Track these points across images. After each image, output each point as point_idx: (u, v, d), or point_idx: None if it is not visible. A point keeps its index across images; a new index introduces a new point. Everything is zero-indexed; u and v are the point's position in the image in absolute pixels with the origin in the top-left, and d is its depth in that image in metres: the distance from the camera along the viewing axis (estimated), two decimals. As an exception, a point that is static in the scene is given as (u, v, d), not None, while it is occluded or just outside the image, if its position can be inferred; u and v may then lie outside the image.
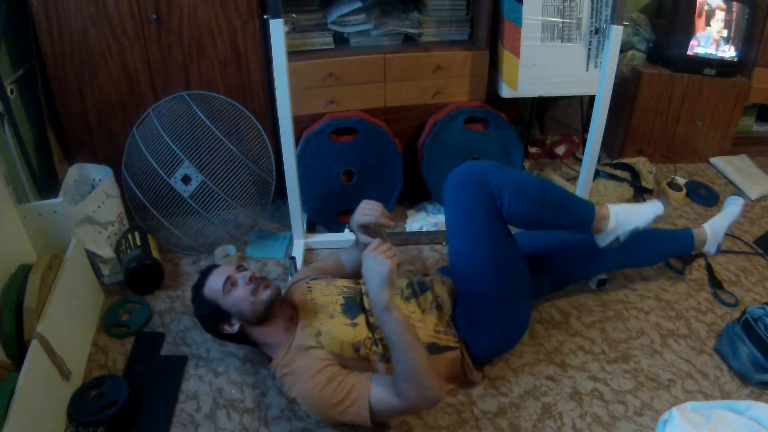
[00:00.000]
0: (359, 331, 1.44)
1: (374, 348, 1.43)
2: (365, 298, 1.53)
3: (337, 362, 1.40)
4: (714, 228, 1.90)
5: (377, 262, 1.31)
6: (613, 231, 1.55)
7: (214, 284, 1.47)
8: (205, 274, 1.52)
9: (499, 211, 1.44)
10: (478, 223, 1.45)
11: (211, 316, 1.48)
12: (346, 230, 2.17)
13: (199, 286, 1.51)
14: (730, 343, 1.66)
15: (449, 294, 1.56)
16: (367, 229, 1.57)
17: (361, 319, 1.47)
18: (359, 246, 1.65)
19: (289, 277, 1.94)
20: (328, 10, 2.18)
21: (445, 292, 1.56)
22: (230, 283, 1.46)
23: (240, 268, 1.51)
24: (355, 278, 1.67)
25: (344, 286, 1.57)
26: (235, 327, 1.47)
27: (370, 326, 1.46)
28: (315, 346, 1.41)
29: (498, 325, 1.52)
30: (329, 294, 1.54)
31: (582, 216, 1.53)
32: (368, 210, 1.55)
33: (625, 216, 1.54)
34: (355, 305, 1.51)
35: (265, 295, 1.45)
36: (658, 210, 1.56)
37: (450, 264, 1.62)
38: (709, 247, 1.90)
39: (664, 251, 1.91)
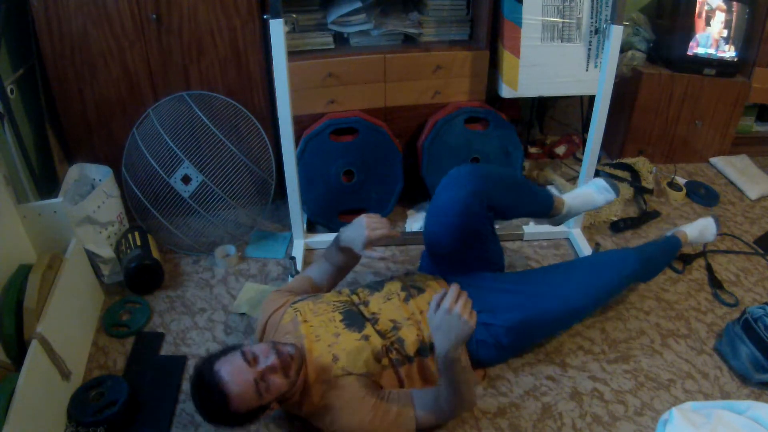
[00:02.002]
0: (374, 342, 1.41)
1: (391, 355, 1.43)
2: (362, 308, 1.51)
3: (368, 383, 1.37)
4: (571, 207, 1.84)
5: (462, 322, 1.22)
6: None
7: (247, 396, 1.22)
8: (218, 395, 1.21)
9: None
10: None
11: (248, 419, 1.27)
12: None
13: (221, 407, 1.22)
14: (730, 343, 1.66)
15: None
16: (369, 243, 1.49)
17: (369, 330, 1.44)
18: (336, 257, 1.61)
19: (290, 278, 1.94)
20: (328, 10, 2.18)
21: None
22: (261, 381, 1.23)
23: (246, 354, 1.26)
24: (329, 290, 1.66)
25: (334, 301, 1.52)
26: (276, 404, 1.32)
27: (381, 334, 1.45)
28: (341, 374, 1.35)
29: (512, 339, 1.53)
30: (322, 312, 1.48)
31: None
32: (376, 224, 1.47)
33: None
34: (356, 317, 1.47)
35: (296, 363, 1.30)
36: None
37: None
38: (558, 221, 1.88)
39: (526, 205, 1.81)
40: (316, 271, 1.68)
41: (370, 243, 1.46)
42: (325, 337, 1.42)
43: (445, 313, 1.23)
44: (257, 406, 1.25)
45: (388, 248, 2.14)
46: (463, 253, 1.61)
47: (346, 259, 1.63)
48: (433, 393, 1.37)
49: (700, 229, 2.01)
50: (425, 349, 1.46)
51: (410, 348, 1.45)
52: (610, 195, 1.83)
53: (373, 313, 1.51)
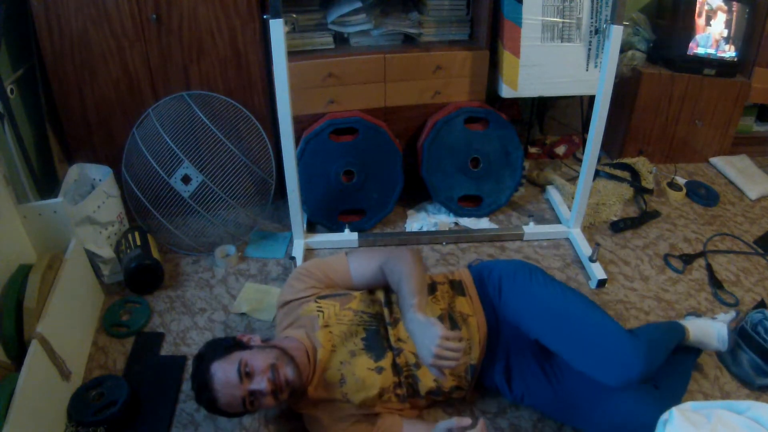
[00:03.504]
0: (385, 378, 1.35)
1: (398, 391, 1.38)
2: (390, 330, 1.40)
3: (363, 411, 1.36)
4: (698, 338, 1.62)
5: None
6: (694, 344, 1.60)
7: (233, 407, 1.26)
8: (207, 400, 1.26)
9: None
10: None
11: (238, 414, 1.31)
12: (347, 230, 2.17)
13: (206, 397, 1.25)
14: (730, 351, 1.66)
15: (481, 340, 1.44)
16: None
17: (386, 362, 1.36)
18: (388, 285, 1.43)
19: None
20: (328, 10, 2.18)
21: (477, 336, 1.44)
22: (249, 397, 1.23)
23: (243, 367, 1.23)
24: (367, 291, 1.50)
25: (362, 312, 1.41)
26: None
27: (396, 368, 1.38)
28: (341, 399, 1.34)
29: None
30: (347, 322, 1.39)
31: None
32: (449, 354, 1.16)
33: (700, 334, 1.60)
34: (378, 341, 1.38)
35: (287, 391, 1.26)
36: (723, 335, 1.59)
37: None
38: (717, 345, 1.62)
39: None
40: (361, 273, 1.48)
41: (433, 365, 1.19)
42: (341, 352, 1.36)
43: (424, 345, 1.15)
44: (245, 412, 1.29)
45: (388, 248, 2.14)
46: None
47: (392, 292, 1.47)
48: (426, 426, 1.35)
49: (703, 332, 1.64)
50: (439, 393, 1.43)
51: (423, 389, 1.40)
52: (723, 346, 1.60)
53: (399, 340, 1.39)
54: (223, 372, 1.23)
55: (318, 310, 1.40)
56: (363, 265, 1.48)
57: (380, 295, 1.47)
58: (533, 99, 2.63)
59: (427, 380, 1.39)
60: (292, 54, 2.00)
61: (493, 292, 1.49)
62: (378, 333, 1.39)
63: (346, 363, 1.35)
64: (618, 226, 2.26)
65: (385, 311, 1.43)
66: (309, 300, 1.44)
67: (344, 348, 1.36)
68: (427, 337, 1.17)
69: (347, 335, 1.38)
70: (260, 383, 1.23)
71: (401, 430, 1.37)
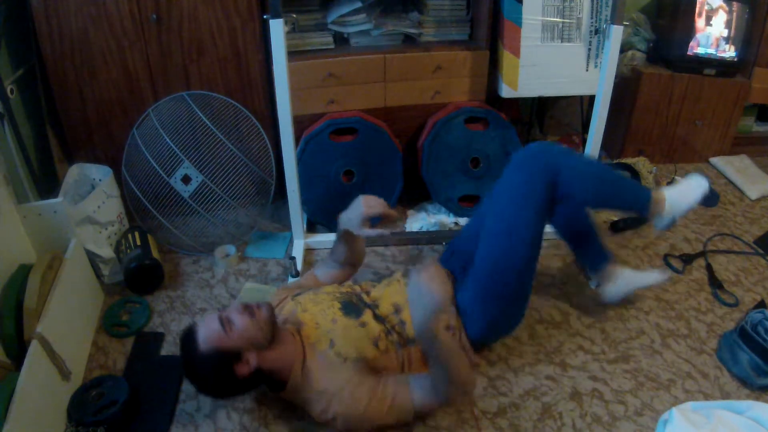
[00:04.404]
0: (371, 329, 1.43)
1: (390, 338, 1.44)
2: (363, 296, 1.53)
3: (365, 368, 1.38)
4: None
5: (429, 295, 1.24)
6: (669, 213, 1.59)
7: (211, 332, 1.30)
8: (189, 334, 1.33)
9: (553, 196, 1.47)
10: (534, 206, 1.45)
11: (223, 366, 1.30)
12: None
13: (191, 349, 1.30)
14: (730, 351, 1.66)
15: (447, 277, 1.61)
16: (368, 224, 1.55)
17: (367, 317, 1.46)
18: (340, 249, 1.66)
19: (289, 277, 1.94)
20: (328, 10, 2.18)
21: (443, 275, 1.60)
22: (227, 321, 1.31)
23: (220, 311, 1.39)
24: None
25: (333, 292, 1.54)
26: (253, 361, 1.31)
27: (379, 319, 1.46)
28: (336, 359, 1.36)
29: (498, 313, 1.54)
30: (321, 301, 1.49)
31: (638, 199, 1.58)
32: (372, 201, 1.52)
33: (678, 197, 1.59)
34: (354, 305, 1.49)
35: (264, 311, 1.35)
36: (703, 186, 1.60)
37: (479, 242, 1.52)
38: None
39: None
40: (322, 269, 1.72)
41: (367, 219, 1.50)
42: (323, 323, 1.43)
43: (416, 284, 1.27)
44: (223, 347, 1.28)
45: (388, 248, 2.14)
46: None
47: (349, 252, 1.65)
48: (431, 376, 1.38)
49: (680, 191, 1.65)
50: None
51: (411, 330, 1.46)
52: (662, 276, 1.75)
53: (374, 300, 1.53)
54: (205, 320, 1.34)
55: (296, 303, 1.51)
56: (323, 266, 1.72)
57: (349, 283, 1.65)
58: (533, 99, 2.63)
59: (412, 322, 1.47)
60: (292, 54, 2.00)
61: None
62: (351, 301, 1.50)
63: (331, 330, 1.41)
64: (618, 226, 2.25)
65: (356, 287, 1.59)
66: (286, 300, 1.55)
67: (325, 320, 1.44)
68: (354, 209, 1.49)
69: (325, 310, 1.47)
70: (234, 310, 1.34)
71: (407, 379, 1.39)
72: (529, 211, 1.45)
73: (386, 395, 1.34)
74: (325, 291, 1.55)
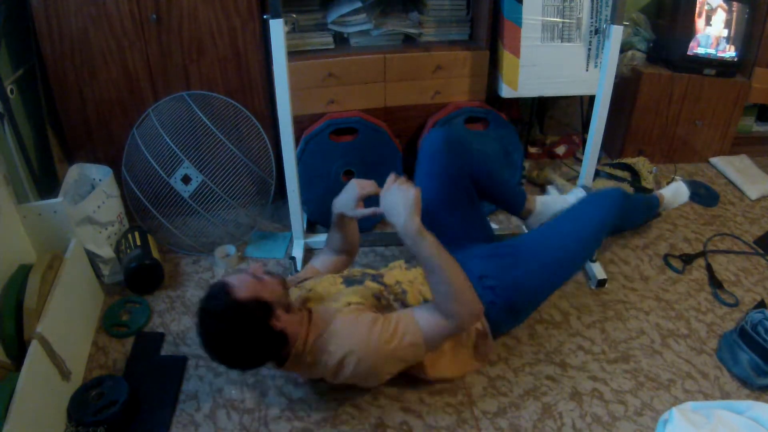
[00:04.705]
0: (374, 287, 1.49)
1: (391, 297, 1.49)
2: (368, 271, 1.58)
3: (367, 306, 1.41)
4: (544, 206, 1.88)
5: (401, 191, 1.32)
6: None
7: (249, 282, 1.29)
8: (222, 286, 1.29)
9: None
10: None
11: (262, 316, 1.28)
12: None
13: (227, 301, 1.26)
14: (730, 351, 1.66)
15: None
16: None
17: (369, 282, 1.51)
18: (335, 237, 1.69)
19: (289, 277, 1.94)
20: (328, 10, 2.18)
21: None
22: (257, 277, 1.33)
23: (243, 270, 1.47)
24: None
25: (336, 276, 1.58)
26: (283, 317, 1.31)
27: (381, 283, 1.51)
28: (341, 307, 1.39)
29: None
30: (325, 282, 1.54)
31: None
32: (365, 183, 1.54)
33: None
34: (355, 280, 1.53)
35: (278, 275, 1.40)
36: (579, 196, 1.87)
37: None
38: (533, 223, 1.89)
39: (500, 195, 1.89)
40: (320, 260, 1.74)
41: (361, 199, 1.54)
42: (328, 295, 1.47)
43: (387, 191, 1.35)
44: (260, 296, 1.28)
45: (388, 248, 2.14)
46: (451, 217, 1.67)
47: (343, 239, 1.68)
48: (431, 305, 1.38)
49: (673, 191, 2.10)
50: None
51: (411, 299, 1.49)
52: (582, 194, 1.91)
53: (378, 274, 1.57)
54: (232, 276, 1.34)
55: (300, 288, 1.54)
56: (320, 256, 1.75)
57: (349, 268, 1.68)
58: (533, 99, 2.63)
59: (413, 291, 1.50)
60: (292, 54, 1.99)
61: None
62: (352, 280, 1.54)
63: (337, 298, 1.45)
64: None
65: (355, 270, 1.62)
66: (291, 290, 1.55)
67: (329, 292, 1.49)
68: (348, 191, 1.55)
69: (328, 287, 1.51)
70: (256, 269, 1.35)
71: (412, 312, 1.39)
72: (598, 243, 1.75)
73: (390, 320, 1.34)
74: (327, 277, 1.58)
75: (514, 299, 1.55)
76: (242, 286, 1.28)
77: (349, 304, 1.40)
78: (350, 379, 1.37)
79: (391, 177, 1.38)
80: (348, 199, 1.56)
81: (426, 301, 1.48)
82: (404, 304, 1.48)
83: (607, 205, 1.66)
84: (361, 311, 1.37)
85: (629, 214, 1.88)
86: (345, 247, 1.71)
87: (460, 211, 1.69)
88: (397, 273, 1.57)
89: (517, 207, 1.86)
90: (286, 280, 1.43)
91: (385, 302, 1.47)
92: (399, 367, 1.41)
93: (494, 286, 1.52)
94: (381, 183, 2.18)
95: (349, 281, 1.53)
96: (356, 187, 1.54)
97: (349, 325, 1.34)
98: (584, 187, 1.95)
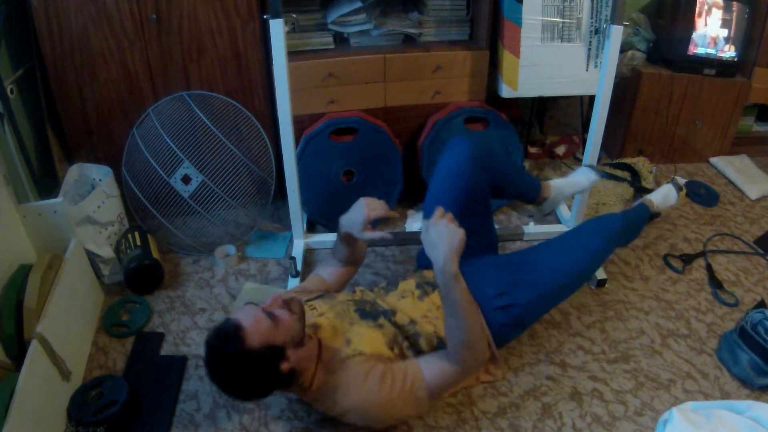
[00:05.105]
0: (387, 331, 1.43)
1: (405, 343, 1.44)
2: (378, 301, 1.52)
3: (376, 359, 1.37)
4: (558, 190, 1.90)
5: (449, 230, 1.28)
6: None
7: (261, 327, 1.24)
8: (232, 330, 1.23)
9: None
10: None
11: (272, 362, 1.25)
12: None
13: (236, 346, 1.21)
14: (730, 351, 1.66)
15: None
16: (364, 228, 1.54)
17: (383, 321, 1.45)
18: (341, 250, 1.64)
19: (289, 277, 1.94)
20: (328, 10, 2.18)
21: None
22: (272, 316, 1.27)
23: (257, 305, 1.33)
24: (340, 290, 1.69)
25: (347, 300, 1.53)
26: (293, 357, 1.28)
27: (395, 325, 1.46)
28: (352, 355, 1.35)
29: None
30: (337, 305, 1.49)
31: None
32: (374, 204, 1.52)
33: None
34: (370, 311, 1.48)
35: (298, 307, 1.33)
36: (591, 178, 1.90)
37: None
38: (547, 207, 1.91)
39: (514, 188, 1.89)
40: (325, 270, 1.70)
41: (369, 222, 1.50)
42: (341, 326, 1.43)
43: (434, 226, 1.30)
44: (273, 342, 1.24)
45: (388, 248, 2.14)
46: (463, 226, 1.62)
47: (350, 253, 1.65)
48: (439, 353, 1.38)
49: (662, 195, 2.03)
50: (441, 345, 1.45)
51: (425, 343, 1.45)
52: (594, 176, 1.91)
53: (391, 307, 1.50)
54: (238, 312, 1.29)
55: (310, 308, 1.48)
56: (326, 266, 1.71)
57: (359, 289, 1.61)
58: (533, 99, 2.62)
59: (427, 330, 1.46)
60: (292, 54, 1.99)
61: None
62: (365, 309, 1.49)
63: (348, 330, 1.41)
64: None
65: (367, 293, 1.57)
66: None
67: (342, 323, 1.44)
68: (356, 211, 1.52)
69: (341, 314, 1.46)
70: (275, 305, 1.31)
71: (416, 360, 1.39)
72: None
73: (397, 373, 1.33)
74: (337, 299, 1.53)
75: (523, 318, 1.55)
76: (256, 332, 1.23)
77: (362, 353, 1.35)
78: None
79: (439, 211, 1.33)
80: (356, 220, 1.52)
81: (439, 340, 1.45)
82: (417, 350, 1.44)
83: (613, 230, 1.67)
84: (371, 366, 1.33)
85: (629, 232, 1.84)
86: (351, 259, 1.69)
87: (474, 220, 1.64)
88: (409, 307, 1.51)
89: (533, 196, 1.87)
90: (304, 309, 1.37)
91: (398, 351, 1.42)
92: (400, 420, 1.45)
93: (507, 305, 1.50)
94: (382, 183, 2.21)
95: (363, 313, 1.47)
96: (365, 208, 1.51)
97: (358, 380, 1.31)
98: (590, 166, 1.93)
